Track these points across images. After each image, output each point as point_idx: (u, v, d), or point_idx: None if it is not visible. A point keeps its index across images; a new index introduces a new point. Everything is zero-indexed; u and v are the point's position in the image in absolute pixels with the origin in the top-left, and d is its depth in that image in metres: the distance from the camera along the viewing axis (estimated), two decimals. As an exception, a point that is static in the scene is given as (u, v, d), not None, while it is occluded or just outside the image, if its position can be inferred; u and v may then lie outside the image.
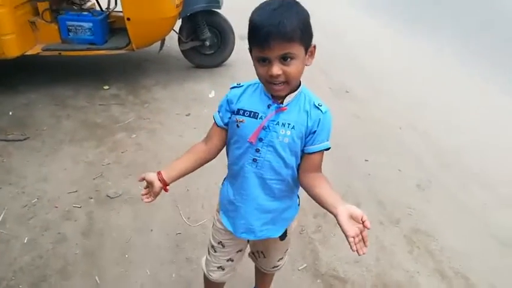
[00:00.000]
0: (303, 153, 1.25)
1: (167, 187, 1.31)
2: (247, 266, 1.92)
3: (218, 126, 1.32)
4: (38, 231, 2.24)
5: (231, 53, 4.35)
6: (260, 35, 1.06)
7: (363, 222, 1.01)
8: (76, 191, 2.55)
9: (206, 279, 1.61)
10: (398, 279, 2.07)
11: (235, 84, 1.30)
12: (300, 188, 1.37)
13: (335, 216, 1.07)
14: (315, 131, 1.21)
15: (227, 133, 1.32)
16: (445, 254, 2.23)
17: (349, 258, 2.16)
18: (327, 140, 1.24)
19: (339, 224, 1.04)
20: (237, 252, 1.51)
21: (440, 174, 2.87)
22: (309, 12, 1.13)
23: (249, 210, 1.33)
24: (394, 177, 2.83)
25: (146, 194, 1.31)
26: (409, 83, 4.31)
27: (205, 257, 1.59)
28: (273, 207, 1.33)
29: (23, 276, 1.97)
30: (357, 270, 2.11)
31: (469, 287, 2.05)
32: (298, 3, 1.13)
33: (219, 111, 1.32)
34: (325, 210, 1.17)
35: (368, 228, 1.01)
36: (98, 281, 1.97)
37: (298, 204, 1.46)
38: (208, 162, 1.39)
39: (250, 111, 1.23)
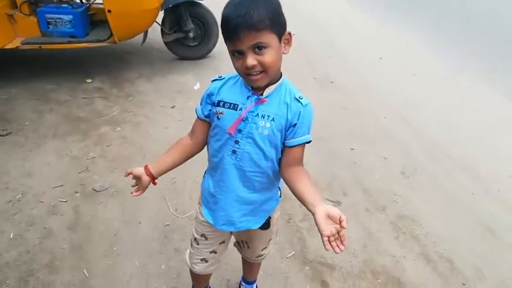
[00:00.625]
0: (284, 147, 1.25)
1: (155, 180, 1.34)
2: (235, 256, 1.94)
3: (200, 119, 1.33)
4: (23, 226, 2.21)
5: (215, 44, 4.32)
6: (229, 28, 1.08)
7: (340, 222, 1.02)
8: (61, 186, 2.52)
9: (192, 272, 1.62)
10: (384, 264, 2.11)
11: (217, 77, 1.31)
12: (279, 182, 1.40)
13: (312, 214, 1.07)
14: (295, 124, 1.21)
15: (209, 127, 1.33)
16: (430, 239, 2.28)
17: (336, 245, 2.19)
18: (308, 133, 1.24)
19: (315, 223, 1.05)
20: (220, 244, 1.52)
21: (425, 162, 2.92)
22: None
23: (229, 202, 1.33)
24: (379, 165, 2.87)
25: (135, 188, 1.34)
26: (395, 73, 4.36)
27: (188, 250, 1.59)
28: (252, 199, 1.34)
29: (10, 271, 1.94)
30: (345, 256, 2.14)
31: (454, 270, 2.10)
32: None
33: (200, 104, 1.33)
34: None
35: (344, 228, 1.02)
36: (87, 274, 1.96)
37: (280, 196, 1.46)
38: (194, 155, 1.41)
39: (230, 103, 1.23)
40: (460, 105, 3.74)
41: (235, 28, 1.06)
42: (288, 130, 1.22)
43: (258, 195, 1.34)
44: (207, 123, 1.33)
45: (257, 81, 1.15)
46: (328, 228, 1.03)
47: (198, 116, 1.34)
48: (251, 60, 1.09)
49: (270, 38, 1.09)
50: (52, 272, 1.96)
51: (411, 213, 2.45)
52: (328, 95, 3.79)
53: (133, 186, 1.37)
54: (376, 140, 3.16)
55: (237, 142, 1.24)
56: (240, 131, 1.22)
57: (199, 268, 1.55)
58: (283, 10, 1.14)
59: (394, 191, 2.63)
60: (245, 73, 1.14)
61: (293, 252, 2.15)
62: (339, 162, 2.87)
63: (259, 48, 1.09)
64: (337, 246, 1.03)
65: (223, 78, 1.29)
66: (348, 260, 2.12)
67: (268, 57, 1.10)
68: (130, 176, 1.34)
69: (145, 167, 1.32)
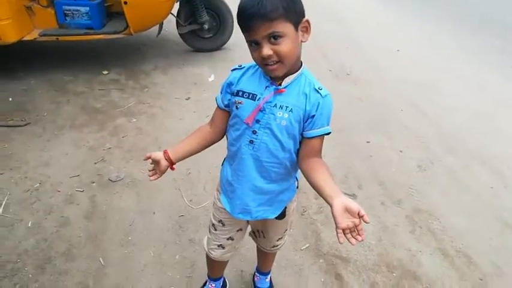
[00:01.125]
0: (302, 138, 1.24)
1: (174, 166, 1.35)
2: (250, 247, 1.94)
3: (220, 108, 1.33)
4: (41, 215, 2.25)
5: (230, 36, 4.31)
6: (243, 18, 1.08)
7: (361, 217, 1.01)
8: (78, 175, 2.55)
9: (208, 258, 1.64)
10: (400, 258, 2.08)
11: (237, 66, 1.30)
12: (297, 173, 1.39)
13: (330, 206, 1.05)
14: (313, 115, 1.19)
15: (229, 116, 1.33)
16: (447, 234, 2.24)
17: (351, 238, 2.17)
18: (327, 125, 1.22)
19: (332, 215, 1.03)
20: (237, 231, 1.52)
21: (442, 156, 2.86)
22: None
23: (245, 191, 1.33)
24: (396, 158, 2.83)
25: (152, 171, 1.35)
26: (411, 64, 4.28)
27: (206, 236, 1.61)
28: (269, 189, 1.33)
29: (28, 258, 1.98)
30: (359, 250, 2.12)
31: (471, 265, 2.06)
32: None
33: (220, 93, 1.33)
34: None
35: (366, 222, 1.01)
36: (102, 263, 1.98)
37: (297, 187, 1.45)
38: (214, 143, 1.41)
39: (249, 93, 1.23)
40: (480, 98, 3.66)
41: (249, 19, 1.06)
42: (306, 121, 1.20)
43: (275, 186, 1.33)
44: (226, 112, 1.32)
45: (274, 70, 1.13)
46: (345, 222, 1.01)
47: (218, 105, 1.34)
48: (267, 50, 1.08)
49: (285, 27, 1.07)
50: (69, 259, 1.99)
51: (427, 207, 2.42)
52: (344, 86, 3.75)
53: (150, 170, 1.38)
54: (392, 132, 3.11)
55: (254, 132, 1.23)
56: (258, 121, 1.21)
57: (217, 254, 1.56)
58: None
59: (410, 184, 2.59)
60: (262, 63, 1.13)
61: (307, 245, 2.14)
62: (355, 155, 2.84)
63: (274, 38, 1.07)
64: (353, 238, 1.02)
65: (243, 68, 1.28)
66: (363, 253, 2.10)
67: (284, 46, 1.08)
68: (148, 165, 1.36)
69: (165, 152, 1.33)
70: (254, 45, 1.11)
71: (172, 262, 2.01)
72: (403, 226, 2.29)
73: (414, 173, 2.71)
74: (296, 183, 1.44)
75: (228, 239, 1.52)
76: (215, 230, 1.52)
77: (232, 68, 1.30)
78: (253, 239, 1.69)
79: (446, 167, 2.76)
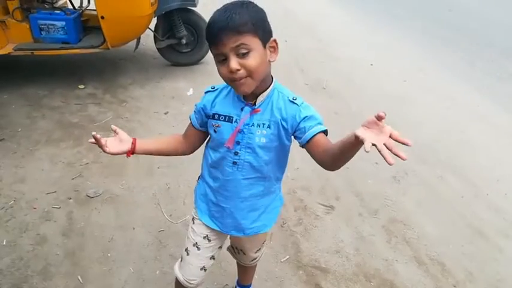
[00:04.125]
0: (305, 145, 1.20)
1: (131, 155, 1.31)
2: (230, 261, 1.95)
3: (194, 128, 1.35)
4: (16, 232, 2.20)
5: (208, 50, 4.34)
6: (212, 32, 1.09)
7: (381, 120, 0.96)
8: (55, 192, 2.51)
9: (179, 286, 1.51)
10: (377, 267, 2.13)
11: (210, 88, 1.32)
12: (281, 182, 1.42)
13: (355, 138, 0.97)
14: (299, 123, 1.19)
15: (203, 134, 1.36)
16: (421, 242, 2.31)
17: (330, 249, 2.22)
18: (320, 124, 1.20)
19: (357, 137, 0.95)
20: (218, 248, 1.49)
21: (416, 167, 2.95)
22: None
23: (235, 210, 1.35)
24: (372, 170, 2.90)
25: (103, 139, 1.25)
26: (385, 79, 4.41)
27: (178, 264, 1.50)
28: (260, 204, 1.36)
29: (3, 278, 1.93)
30: (338, 260, 2.16)
31: (445, 272, 2.13)
32: (252, 3, 1.14)
33: (194, 112, 1.34)
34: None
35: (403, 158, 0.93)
36: (81, 281, 1.95)
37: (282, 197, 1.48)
38: (180, 155, 1.43)
39: (225, 116, 1.25)
40: (450, 110, 3.80)
41: (217, 31, 1.08)
42: (295, 132, 1.21)
43: (264, 200, 1.36)
44: (201, 132, 1.35)
45: (242, 86, 1.13)
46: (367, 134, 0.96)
47: (192, 125, 1.35)
48: (234, 63, 1.08)
49: (252, 42, 1.09)
50: (46, 278, 1.95)
51: (403, 217, 2.49)
52: (321, 100, 3.83)
53: (101, 138, 1.23)
54: (367, 145, 3.19)
55: (236, 153, 1.25)
56: (238, 142, 1.24)
57: (196, 281, 1.46)
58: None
59: (386, 195, 2.66)
60: (230, 79, 1.13)
61: (287, 257, 2.16)
62: (332, 167, 2.89)
63: (242, 54, 1.09)
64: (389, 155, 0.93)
65: (216, 90, 1.30)
66: (341, 263, 2.15)
67: (251, 60, 1.09)
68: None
69: (133, 138, 1.31)
70: (222, 61, 1.12)
71: (153, 278, 2.00)
72: (380, 236, 2.34)
73: (389, 184, 2.78)
74: (280, 193, 1.46)
75: (210, 258, 1.46)
76: (198, 249, 1.42)
77: (205, 90, 1.32)
78: (231, 254, 1.70)
79: (420, 178, 2.85)
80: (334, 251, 2.21)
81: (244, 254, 1.60)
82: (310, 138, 1.19)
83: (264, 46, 1.14)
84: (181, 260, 1.49)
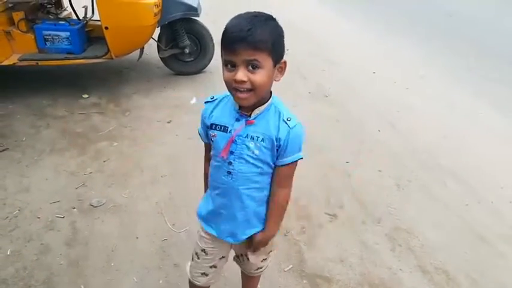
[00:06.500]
0: (274, 165, 1.28)
1: None
2: (234, 270, 1.94)
3: (204, 142, 1.40)
4: (21, 242, 2.21)
5: (210, 59, 4.38)
6: (229, 37, 1.09)
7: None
8: (58, 201, 2.52)
9: (192, 284, 1.63)
10: (382, 277, 2.12)
11: (209, 99, 1.34)
12: None
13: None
14: (282, 145, 1.22)
15: None
16: (425, 250, 2.29)
17: (334, 258, 2.21)
18: (299, 151, 1.26)
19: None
20: (220, 259, 1.53)
21: (419, 174, 2.95)
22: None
23: (232, 218, 1.36)
24: (375, 178, 2.90)
25: None
26: (388, 86, 4.42)
27: (189, 263, 1.60)
28: (256, 212, 1.37)
29: (7, 288, 1.94)
30: (342, 269, 2.15)
31: (449, 281, 2.11)
32: (275, 19, 1.16)
33: (201, 127, 1.37)
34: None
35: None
36: (85, 290, 1.96)
37: None
38: None
39: (221, 125, 1.27)
40: (450, 115, 3.80)
41: (235, 40, 1.08)
42: (277, 150, 1.24)
43: (262, 208, 1.37)
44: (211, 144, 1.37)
45: (244, 99, 1.15)
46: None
47: (202, 139, 1.40)
48: (242, 75, 1.10)
49: (265, 60, 1.11)
50: (50, 288, 1.96)
51: (406, 224, 2.48)
52: (323, 108, 3.84)
53: None
54: (370, 152, 3.19)
55: (230, 163, 1.27)
56: (232, 152, 1.25)
57: (201, 281, 1.56)
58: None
59: (389, 203, 2.65)
60: (233, 87, 1.14)
61: (291, 266, 2.15)
62: (335, 175, 2.90)
63: (253, 66, 1.10)
64: None
65: (215, 100, 1.32)
66: (345, 272, 2.14)
67: (259, 77, 1.11)
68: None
69: None
70: (230, 66, 1.13)
71: (157, 287, 1.99)
72: (384, 244, 2.33)
73: (392, 191, 2.78)
74: None
75: (211, 267, 1.53)
76: (198, 258, 1.52)
77: (205, 101, 1.34)
78: (237, 263, 1.70)
79: (423, 185, 2.84)
80: (338, 259, 2.20)
81: (249, 260, 1.60)
82: (279, 166, 1.27)
83: (274, 66, 1.16)
84: (192, 259, 1.57)
